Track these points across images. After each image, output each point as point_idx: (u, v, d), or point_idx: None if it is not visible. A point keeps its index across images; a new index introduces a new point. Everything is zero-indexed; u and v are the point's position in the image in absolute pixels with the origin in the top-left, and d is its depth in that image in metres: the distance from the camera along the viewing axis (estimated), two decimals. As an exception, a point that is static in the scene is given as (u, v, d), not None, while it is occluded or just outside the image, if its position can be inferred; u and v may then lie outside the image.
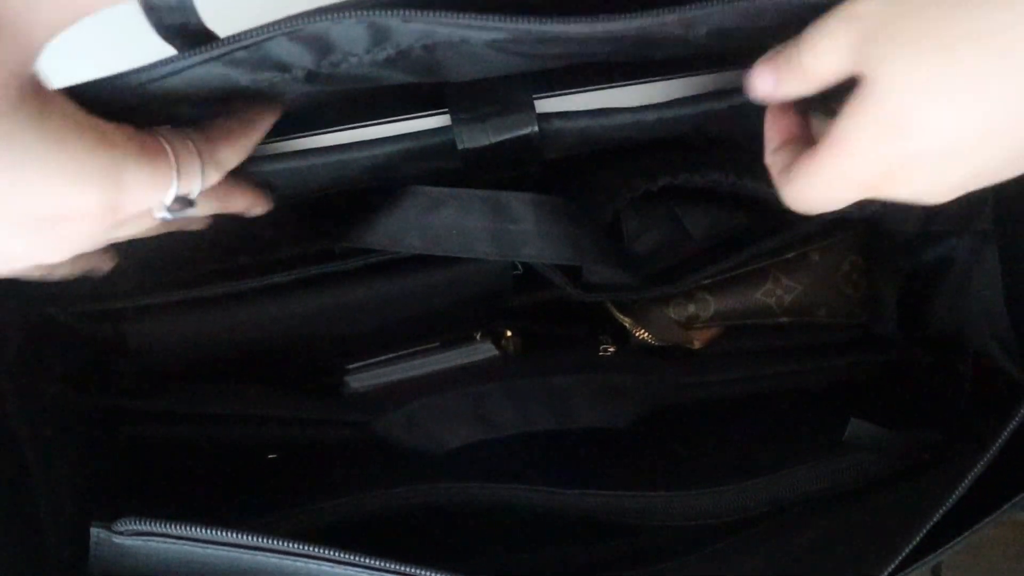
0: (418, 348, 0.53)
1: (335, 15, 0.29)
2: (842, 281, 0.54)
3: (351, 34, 0.31)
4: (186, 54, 0.30)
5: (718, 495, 0.48)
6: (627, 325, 0.54)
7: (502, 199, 0.43)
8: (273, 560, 0.37)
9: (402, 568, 0.37)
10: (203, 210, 0.37)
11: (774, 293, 0.54)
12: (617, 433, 0.54)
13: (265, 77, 0.33)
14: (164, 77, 0.31)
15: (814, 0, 0.29)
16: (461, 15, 0.29)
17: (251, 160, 0.37)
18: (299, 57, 0.32)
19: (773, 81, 0.31)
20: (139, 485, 0.47)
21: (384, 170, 0.41)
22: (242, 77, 0.32)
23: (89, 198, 0.28)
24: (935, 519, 0.37)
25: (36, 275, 0.36)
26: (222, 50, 0.30)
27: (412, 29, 0.31)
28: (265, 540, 0.36)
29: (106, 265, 0.39)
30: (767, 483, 0.47)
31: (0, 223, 0.28)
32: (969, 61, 0.25)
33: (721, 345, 0.55)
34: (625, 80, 0.40)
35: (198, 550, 0.37)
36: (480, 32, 0.31)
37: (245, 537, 0.36)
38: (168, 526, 0.36)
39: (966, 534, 0.38)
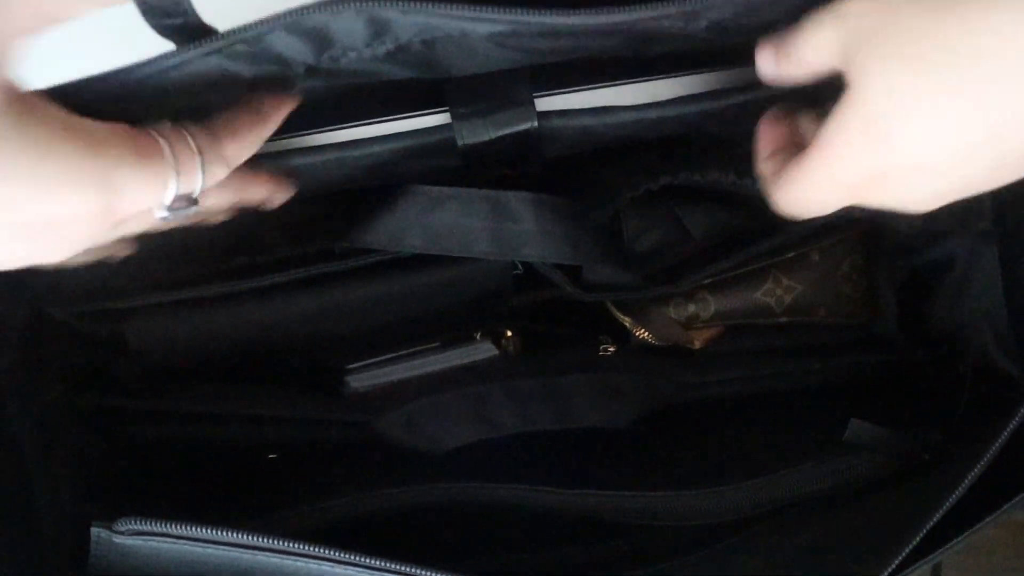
0: (418, 348, 0.53)
1: (334, 8, 0.29)
2: (842, 281, 0.54)
3: (351, 27, 0.31)
4: (185, 48, 0.30)
5: (718, 495, 0.48)
6: (627, 325, 0.54)
7: (502, 198, 0.43)
8: (273, 560, 0.37)
9: (402, 568, 0.37)
10: (220, 202, 0.36)
11: (774, 293, 0.54)
12: (617, 433, 0.54)
13: (265, 71, 0.33)
14: (163, 73, 0.31)
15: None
16: (460, 7, 0.29)
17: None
18: (299, 51, 0.32)
19: (773, 62, 0.32)
20: (139, 485, 0.47)
21: (383, 168, 0.41)
22: (242, 72, 0.32)
23: (81, 204, 0.28)
24: (935, 519, 0.37)
25: (51, 264, 0.35)
26: (221, 43, 0.30)
27: (411, 22, 0.31)
28: (265, 540, 0.36)
29: (122, 253, 0.38)
30: (767, 483, 0.47)
31: None
32: (951, 73, 0.26)
33: (721, 345, 0.55)
34: (625, 79, 0.40)
35: (198, 550, 0.37)
36: (479, 25, 0.31)
37: (245, 537, 0.36)
38: (168, 526, 0.36)
39: (966, 534, 0.38)
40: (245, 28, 0.30)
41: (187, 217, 0.33)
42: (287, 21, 0.30)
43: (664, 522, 0.49)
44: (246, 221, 0.40)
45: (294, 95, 0.36)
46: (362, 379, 0.52)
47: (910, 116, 0.27)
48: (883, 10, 0.27)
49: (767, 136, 0.35)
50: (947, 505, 0.37)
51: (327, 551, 0.36)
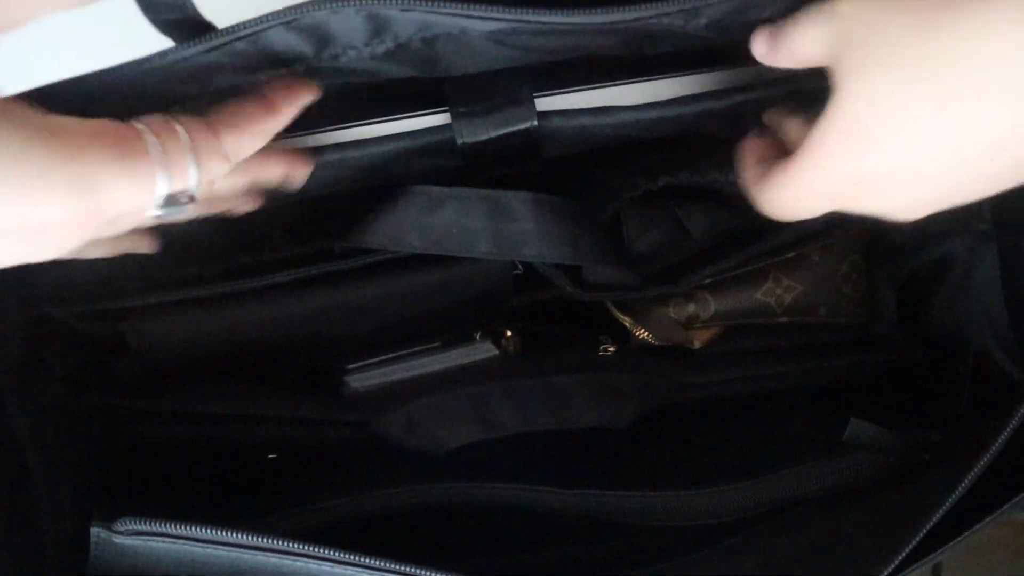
0: (418, 348, 0.53)
1: (334, 5, 0.29)
2: (842, 281, 0.54)
3: (350, 25, 0.31)
4: (184, 45, 0.30)
5: (718, 495, 0.48)
6: (627, 325, 0.54)
7: (502, 198, 0.43)
8: (273, 560, 0.37)
9: (402, 568, 0.37)
10: (232, 185, 0.34)
11: (774, 293, 0.54)
12: (617, 433, 0.54)
13: (265, 70, 0.33)
14: (161, 70, 0.30)
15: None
16: (459, 4, 0.29)
17: None
18: (298, 49, 0.32)
19: (768, 48, 0.32)
20: (139, 485, 0.47)
21: (384, 169, 0.41)
22: (242, 70, 0.32)
23: (62, 208, 0.27)
24: (935, 519, 0.37)
25: (69, 256, 0.33)
26: (221, 40, 0.30)
27: (411, 19, 0.31)
28: (265, 540, 0.36)
29: (146, 247, 0.37)
30: (767, 483, 0.47)
31: None
32: (935, 83, 0.25)
33: (721, 345, 0.55)
34: (625, 78, 0.40)
35: (198, 550, 0.37)
36: (479, 23, 0.31)
37: (245, 537, 0.36)
38: (168, 526, 0.36)
39: (966, 534, 0.38)
40: (244, 25, 0.30)
41: (186, 214, 0.31)
42: (287, 18, 0.30)
43: (664, 522, 0.49)
44: (246, 221, 0.40)
45: (312, 85, 0.34)
46: (362, 379, 0.52)
47: (892, 124, 0.27)
48: (872, 15, 0.27)
49: (752, 149, 0.36)
50: (947, 505, 0.37)
51: (327, 551, 0.36)
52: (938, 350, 0.52)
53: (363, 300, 0.48)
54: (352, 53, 0.33)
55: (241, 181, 0.35)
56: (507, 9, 0.29)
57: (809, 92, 0.31)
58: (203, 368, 0.50)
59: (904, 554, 0.37)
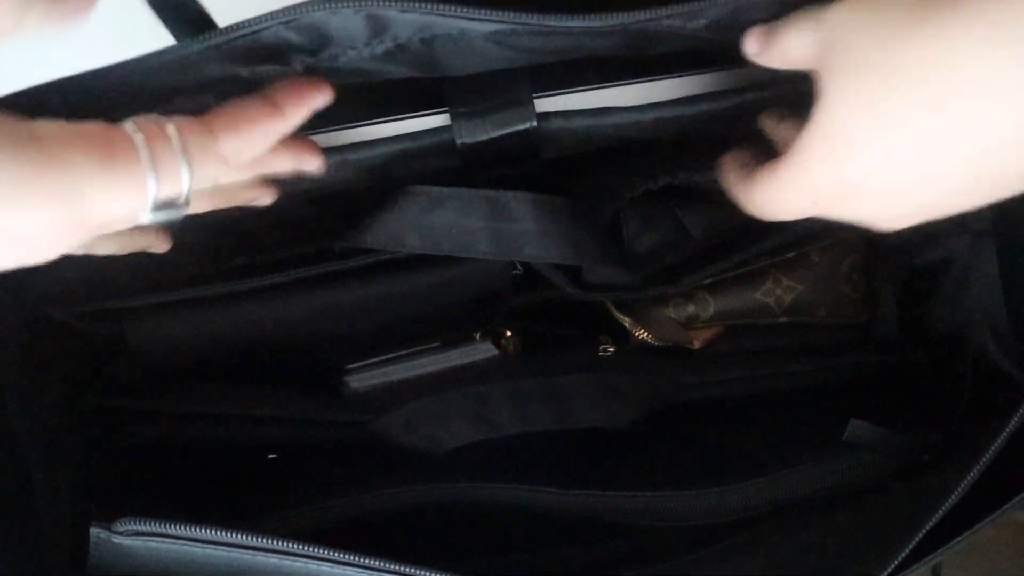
0: (418, 348, 0.53)
1: (333, 5, 0.29)
2: (842, 281, 0.54)
3: (349, 25, 0.31)
4: (184, 44, 0.30)
5: (718, 495, 0.48)
6: (627, 325, 0.54)
7: (502, 199, 0.43)
8: (273, 560, 0.37)
9: (402, 568, 0.37)
10: (240, 182, 0.33)
11: (774, 293, 0.54)
12: (617, 433, 0.54)
13: (264, 70, 0.33)
14: (161, 68, 0.30)
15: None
16: (458, 7, 0.29)
17: None
18: (297, 48, 0.32)
19: (759, 47, 0.32)
20: (139, 485, 0.47)
21: (383, 170, 0.41)
22: (241, 69, 0.32)
23: (44, 218, 0.26)
24: (935, 519, 0.37)
25: (80, 252, 0.33)
26: (221, 39, 0.30)
27: (410, 20, 0.31)
28: (265, 540, 0.36)
29: (159, 247, 0.37)
30: (767, 483, 0.47)
31: None
32: (917, 94, 0.25)
33: (721, 345, 0.55)
34: (625, 79, 0.40)
35: (197, 550, 0.37)
36: (478, 24, 0.31)
37: (245, 537, 0.36)
38: (168, 526, 0.36)
39: (966, 534, 0.38)
40: (244, 24, 0.30)
41: (182, 216, 0.30)
42: (286, 18, 0.30)
43: (664, 522, 0.49)
44: (246, 221, 0.40)
45: (324, 86, 0.32)
46: (362, 379, 0.52)
47: (874, 133, 0.27)
48: (857, 23, 0.27)
49: (733, 158, 0.36)
50: (947, 505, 0.37)
51: (327, 551, 0.36)
52: (938, 350, 0.52)
53: (363, 300, 0.48)
54: (352, 53, 0.33)
55: (247, 178, 0.33)
56: (505, 13, 0.30)
57: (806, 95, 0.31)
58: (203, 368, 0.50)
59: (904, 554, 0.37)
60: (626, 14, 0.30)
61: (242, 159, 0.31)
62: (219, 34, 0.30)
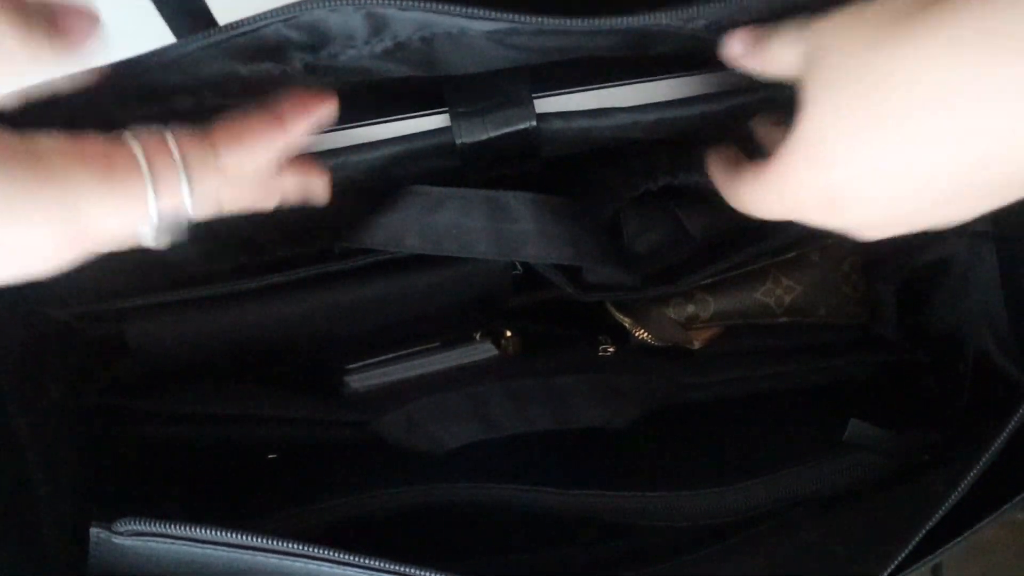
0: (418, 348, 0.53)
1: (333, 3, 0.29)
2: (842, 281, 0.54)
3: (349, 23, 0.31)
4: (184, 41, 0.30)
5: (718, 495, 0.48)
6: (627, 325, 0.54)
7: (502, 199, 0.43)
8: (273, 560, 0.37)
9: (402, 568, 0.37)
10: (245, 196, 0.32)
11: (774, 293, 0.54)
12: (617, 433, 0.54)
13: (264, 68, 0.32)
14: (161, 67, 0.30)
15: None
16: (458, 7, 0.29)
17: None
18: (297, 47, 0.32)
19: (744, 50, 0.32)
20: (139, 485, 0.47)
21: (384, 171, 0.41)
22: (241, 68, 0.32)
23: (42, 234, 0.26)
24: (935, 519, 0.37)
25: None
26: (220, 36, 0.30)
27: (410, 19, 0.31)
28: (265, 540, 0.36)
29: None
30: (767, 483, 0.47)
31: None
32: (894, 107, 0.25)
33: (721, 345, 0.55)
34: (625, 78, 0.40)
35: (197, 550, 0.37)
36: (478, 23, 0.31)
37: (245, 537, 0.36)
38: (168, 526, 0.36)
39: (966, 534, 0.38)
40: (244, 22, 0.30)
41: (183, 231, 0.30)
42: (286, 15, 0.30)
43: (664, 522, 0.49)
44: (246, 221, 0.40)
45: (327, 97, 0.32)
46: (362, 379, 0.52)
47: (852, 145, 0.27)
48: (841, 35, 0.27)
49: (721, 154, 0.37)
50: (947, 505, 0.37)
51: (327, 551, 0.36)
52: (938, 350, 0.52)
53: (363, 300, 0.48)
54: (352, 52, 0.33)
55: (249, 198, 0.32)
56: (505, 13, 0.30)
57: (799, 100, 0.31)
58: (203, 368, 0.50)
59: (904, 554, 0.37)
60: (625, 18, 0.30)
61: (244, 171, 0.30)
62: (219, 31, 0.30)
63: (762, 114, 0.37)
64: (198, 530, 0.36)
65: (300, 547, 0.36)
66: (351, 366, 0.53)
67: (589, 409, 0.53)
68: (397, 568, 0.37)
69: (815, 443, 0.48)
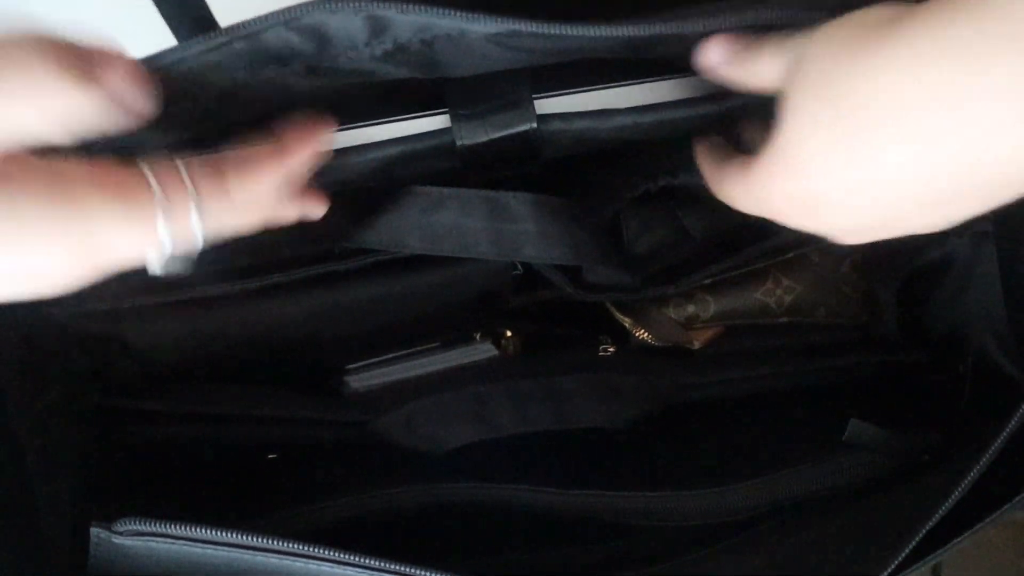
0: (418, 348, 0.53)
1: (333, 6, 0.29)
2: (842, 281, 0.54)
3: (349, 26, 0.31)
4: (185, 45, 0.30)
5: (718, 495, 0.48)
6: (627, 325, 0.54)
7: (502, 199, 0.43)
8: (273, 560, 0.37)
9: (402, 568, 0.37)
10: (249, 223, 0.33)
11: (774, 293, 0.54)
12: (617, 433, 0.54)
13: (265, 71, 0.33)
14: (162, 70, 0.30)
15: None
16: (458, 12, 0.29)
17: None
18: (298, 49, 0.32)
19: (723, 58, 0.32)
20: (139, 485, 0.47)
21: (384, 171, 0.41)
22: (242, 71, 0.32)
23: (57, 257, 0.26)
24: (935, 519, 0.37)
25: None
26: (221, 40, 0.30)
27: (410, 21, 0.31)
28: (265, 540, 0.36)
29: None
30: (767, 483, 0.47)
31: None
32: (856, 120, 0.26)
33: (721, 345, 0.55)
34: (626, 79, 0.40)
35: (198, 550, 0.37)
36: (479, 26, 0.31)
37: (245, 537, 0.36)
38: (168, 526, 0.36)
39: (966, 534, 0.38)
40: (244, 25, 0.30)
41: (188, 263, 0.30)
42: (286, 18, 0.30)
43: (664, 522, 0.49)
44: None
45: (324, 121, 0.33)
46: (362, 379, 0.52)
47: (827, 156, 0.27)
48: (819, 49, 0.28)
49: (709, 147, 0.37)
50: (947, 505, 0.37)
51: (327, 551, 0.36)
52: (938, 350, 0.52)
53: (363, 300, 0.48)
54: (352, 54, 0.33)
55: (251, 222, 0.33)
56: (507, 19, 0.30)
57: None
58: (203, 368, 0.50)
59: (904, 554, 0.37)
60: (627, 27, 0.30)
61: (250, 201, 0.31)
62: (220, 35, 0.30)
63: (752, 117, 0.37)
64: (198, 530, 0.36)
65: (300, 547, 0.36)
66: (351, 366, 0.53)
67: (589, 409, 0.53)
68: (397, 568, 0.37)
69: (815, 443, 0.48)
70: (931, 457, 0.45)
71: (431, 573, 0.37)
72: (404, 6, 0.29)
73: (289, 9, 0.29)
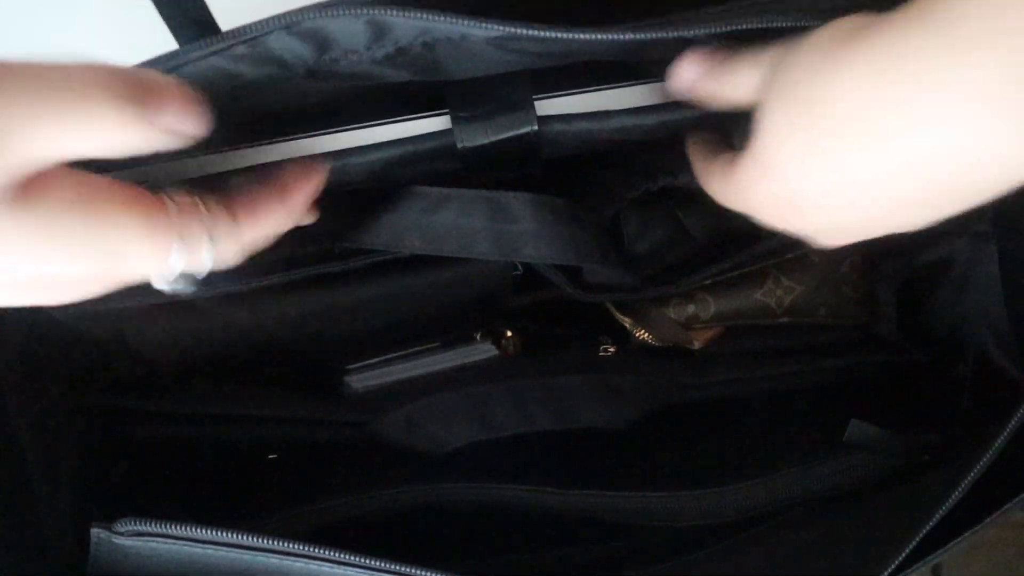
0: (418, 348, 0.53)
1: (334, 10, 0.29)
2: (842, 281, 0.54)
3: (350, 29, 0.31)
4: (186, 49, 0.30)
5: (718, 495, 0.48)
6: (627, 325, 0.54)
7: (502, 199, 0.43)
8: (273, 560, 0.37)
9: (402, 568, 0.37)
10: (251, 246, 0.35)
11: (774, 293, 0.54)
12: (617, 433, 0.54)
13: (266, 73, 0.33)
14: (166, 73, 0.30)
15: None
16: (459, 17, 0.29)
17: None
18: (298, 53, 0.32)
19: (697, 77, 0.33)
20: (139, 485, 0.47)
21: (384, 173, 0.41)
22: (244, 73, 0.32)
23: (81, 270, 0.27)
24: (935, 519, 0.37)
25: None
26: (222, 44, 0.30)
27: (411, 25, 0.31)
28: (265, 540, 0.36)
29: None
30: (767, 483, 0.47)
31: None
32: (827, 128, 0.27)
33: (721, 345, 0.55)
34: (626, 80, 0.40)
35: (198, 550, 0.37)
36: (480, 29, 0.31)
37: (245, 537, 0.36)
38: (168, 526, 0.36)
39: (966, 534, 0.38)
40: (245, 29, 0.30)
41: (192, 284, 0.32)
42: (287, 22, 0.30)
43: (664, 522, 0.49)
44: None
45: (319, 163, 0.35)
46: (362, 379, 0.52)
47: (801, 160, 0.28)
48: (793, 58, 0.28)
49: (700, 141, 0.38)
50: (947, 505, 0.37)
51: (327, 551, 0.36)
52: (938, 350, 0.52)
53: (363, 300, 0.48)
54: (353, 57, 0.33)
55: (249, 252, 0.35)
56: (508, 23, 0.30)
57: None
58: (203, 368, 0.50)
59: (904, 554, 0.37)
60: (628, 32, 0.30)
61: (256, 244, 0.33)
62: (221, 39, 0.30)
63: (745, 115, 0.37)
64: (198, 530, 0.36)
65: (300, 547, 0.36)
66: (351, 366, 0.53)
67: (589, 409, 0.53)
68: (397, 568, 0.37)
69: (815, 443, 0.48)
70: (931, 457, 0.45)
71: (431, 573, 0.37)
72: (405, 10, 0.29)
73: (290, 13, 0.30)
